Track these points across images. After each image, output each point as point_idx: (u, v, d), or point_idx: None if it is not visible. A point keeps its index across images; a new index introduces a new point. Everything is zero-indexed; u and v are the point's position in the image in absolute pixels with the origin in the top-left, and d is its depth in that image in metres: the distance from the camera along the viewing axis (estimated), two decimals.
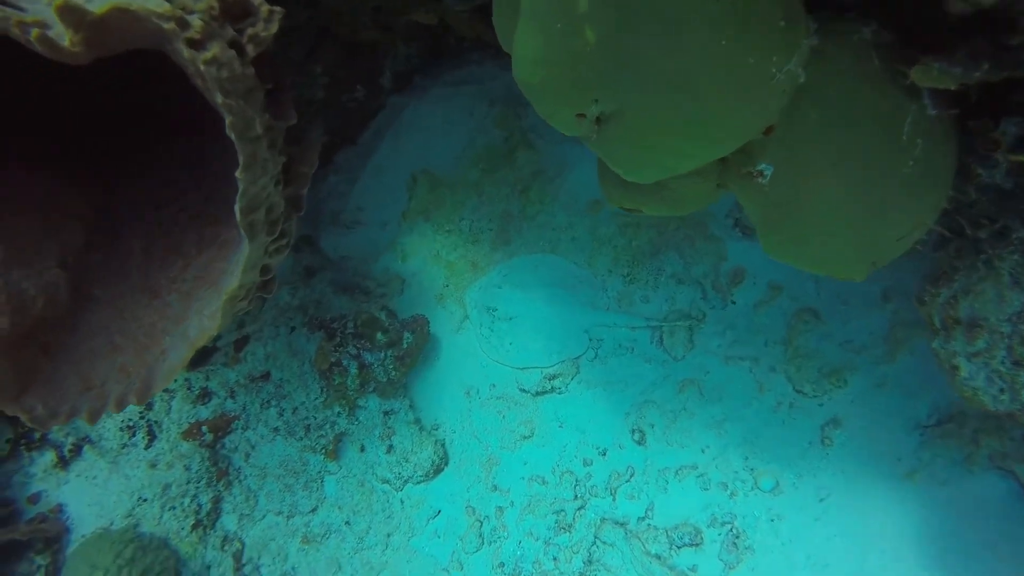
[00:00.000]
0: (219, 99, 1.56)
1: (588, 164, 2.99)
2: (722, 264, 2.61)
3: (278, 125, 1.89)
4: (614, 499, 2.39)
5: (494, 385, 2.75)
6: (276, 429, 2.62)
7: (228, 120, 1.58)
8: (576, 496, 2.44)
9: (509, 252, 2.98)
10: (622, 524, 2.34)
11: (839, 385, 2.23)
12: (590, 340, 2.70)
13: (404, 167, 3.21)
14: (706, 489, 2.29)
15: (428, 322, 2.82)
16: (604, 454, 2.47)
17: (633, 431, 2.45)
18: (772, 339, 2.42)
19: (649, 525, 2.31)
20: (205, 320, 1.92)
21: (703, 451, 2.36)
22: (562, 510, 2.43)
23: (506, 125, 3.13)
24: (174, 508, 2.48)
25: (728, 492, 2.27)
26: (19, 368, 1.78)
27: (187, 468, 2.50)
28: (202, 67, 1.53)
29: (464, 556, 2.49)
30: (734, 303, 2.55)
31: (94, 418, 1.85)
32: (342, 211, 3.26)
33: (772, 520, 2.17)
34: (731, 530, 2.20)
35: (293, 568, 2.59)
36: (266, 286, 2.07)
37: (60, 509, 2.50)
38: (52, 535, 2.39)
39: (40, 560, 2.38)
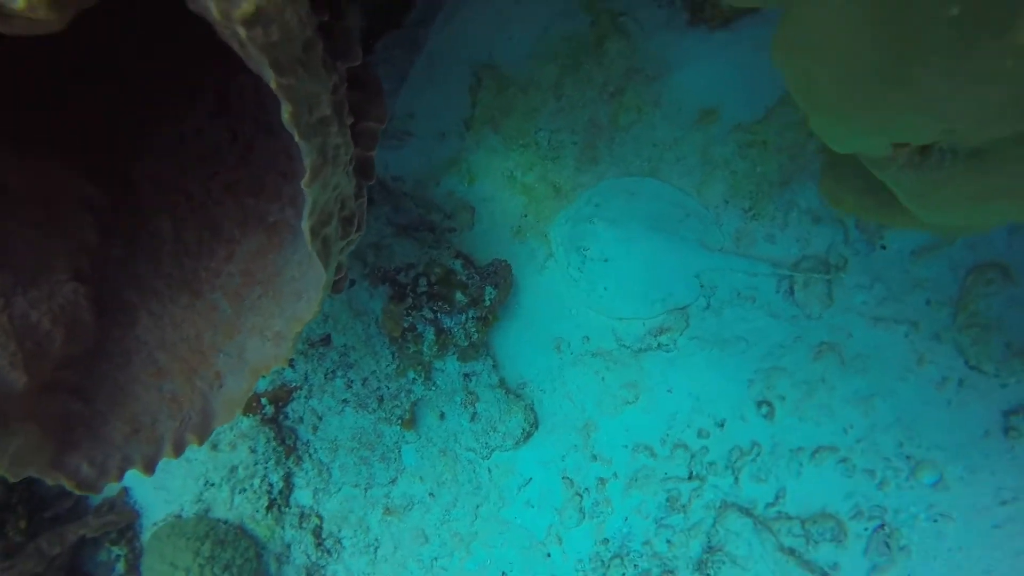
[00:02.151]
0: (272, 78, 1.01)
1: (698, 62, 2.35)
2: None
3: (340, 70, 1.32)
4: (737, 480, 2.08)
5: (587, 338, 2.35)
6: (345, 401, 2.27)
7: (287, 110, 1.04)
8: (691, 473, 2.13)
9: (598, 173, 2.43)
10: (747, 510, 2.05)
11: None
12: (702, 287, 2.25)
13: (464, 60, 2.54)
14: (849, 476, 1.97)
15: (511, 269, 2.36)
16: (723, 426, 2.13)
17: (759, 403, 2.09)
18: (938, 299, 1.96)
19: (780, 513, 2.03)
20: (268, 344, 1.48)
21: (845, 431, 2.00)
22: (675, 488, 2.14)
23: (592, 6, 2.43)
24: (244, 491, 2.21)
25: (877, 481, 1.95)
26: (51, 426, 1.38)
27: (252, 450, 2.19)
28: (241, 31, 0.96)
29: (563, 531, 2.25)
30: (884, 248, 2.07)
31: (150, 468, 1.48)
32: (390, 117, 2.65)
33: (935, 520, 1.86)
34: (881, 526, 1.91)
35: (377, 539, 2.37)
36: (336, 285, 1.60)
37: (126, 493, 2.24)
38: (124, 524, 2.15)
39: (118, 550, 2.16)
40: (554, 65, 2.50)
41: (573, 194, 2.46)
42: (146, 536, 2.20)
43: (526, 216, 2.49)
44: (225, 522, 2.17)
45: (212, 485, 2.19)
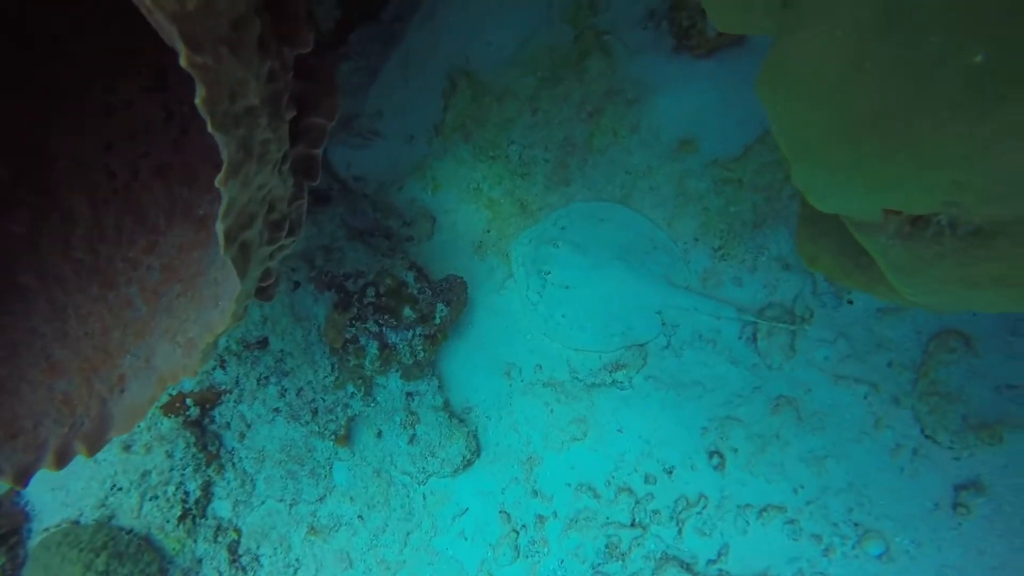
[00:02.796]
0: (183, 54, 0.86)
1: (680, 90, 2.25)
2: None
3: (285, 57, 1.18)
4: (680, 532, 1.96)
5: (540, 367, 2.22)
6: (277, 409, 2.10)
7: (200, 94, 0.89)
8: (634, 520, 2.01)
9: (568, 194, 2.31)
10: (688, 565, 1.94)
11: (990, 443, 1.73)
12: (663, 324, 2.14)
13: (441, 61, 2.41)
14: (795, 539, 1.87)
15: (466, 287, 2.22)
16: (671, 473, 2.01)
17: (711, 453, 1.98)
18: (900, 361, 1.88)
19: (721, 571, 1.91)
20: (179, 351, 1.31)
21: (796, 491, 1.90)
22: (616, 534, 2.02)
23: (576, 20, 2.32)
24: (156, 498, 2.02)
25: (823, 547, 1.85)
26: None
27: (169, 454, 2.01)
28: None
29: (496, 567, 2.11)
30: (851, 303, 1.98)
31: (22, 479, 1.30)
32: (357, 114, 2.49)
33: None
34: None
35: (298, 560, 2.20)
36: (265, 291, 1.44)
37: (15, 492, 2.04)
38: (7, 528, 1.94)
39: None
40: (533, 77, 2.37)
41: (540, 214, 2.34)
42: (33, 543, 1.99)
43: (489, 231, 2.35)
44: (129, 531, 1.98)
45: (119, 489, 2.00)
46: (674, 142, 2.21)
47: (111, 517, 2.00)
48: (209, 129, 0.90)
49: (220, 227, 1.00)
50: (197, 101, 0.88)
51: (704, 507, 1.95)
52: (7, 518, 1.95)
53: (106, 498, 2.00)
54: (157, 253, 1.44)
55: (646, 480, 2.02)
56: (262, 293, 1.42)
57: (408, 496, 2.17)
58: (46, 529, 1.98)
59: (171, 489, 2.03)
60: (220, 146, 0.94)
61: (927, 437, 1.81)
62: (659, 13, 2.24)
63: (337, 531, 2.18)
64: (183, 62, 0.85)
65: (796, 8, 0.66)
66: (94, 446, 1.33)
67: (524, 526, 2.10)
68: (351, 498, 2.19)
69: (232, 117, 0.95)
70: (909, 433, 1.84)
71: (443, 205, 2.38)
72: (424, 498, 2.19)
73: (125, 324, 1.42)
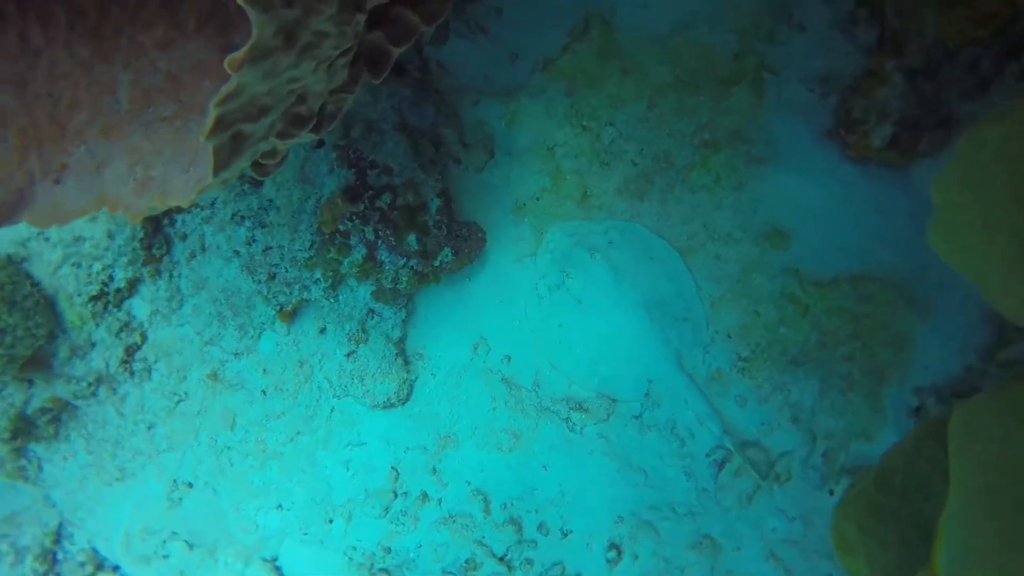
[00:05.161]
0: None
1: (809, 174, 1.91)
2: (861, 440, 1.76)
3: None
4: None
5: (509, 359, 2.00)
6: (238, 253, 1.88)
7: None
8: (505, 556, 1.86)
9: (636, 210, 2.01)
10: None
11: None
12: (646, 395, 1.91)
13: None
14: None
15: (483, 245, 1.96)
16: (565, 536, 1.85)
17: (612, 545, 1.81)
18: None
19: None
20: (130, 185, 1.07)
21: None
22: (482, 557, 1.88)
23: (746, 38, 1.93)
24: (79, 266, 1.82)
25: None
26: None
27: (111, 235, 1.79)
28: None
29: (359, 512, 1.97)
30: (831, 494, 1.76)
31: None
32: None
33: None
34: None
35: (187, 393, 2.05)
36: (261, 168, 1.17)
37: None
38: None
39: None
40: (670, 69, 2.01)
41: (597, 212, 2.05)
42: None
43: (538, 199, 2.07)
44: (36, 284, 1.80)
45: (46, 240, 1.80)
46: (769, 226, 1.90)
47: (23, 260, 1.81)
48: (240, 1, 0.62)
49: (213, 112, 0.74)
50: None
51: None
52: None
53: (29, 240, 1.80)
54: (169, 54, 1.16)
55: (539, 528, 1.86)
56: (259, 168, 1.16)
57: (318, 401, 2.00)
58: None
59: (97, 267, 1.83)
60: (253, 24, 0.66)
61: None
62: (835, 83, 1.88)
63: (236, 391, 2.03)
64: None
65: None
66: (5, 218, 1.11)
67: (406, 494, 1.95)
68: (264, 370, 2.02)
69: None
70: None
71: (508, 145, 2.07)
72: (331, 411, 2.02)
73: (97, 111, 1.16)
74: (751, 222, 1.93)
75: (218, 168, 0.82)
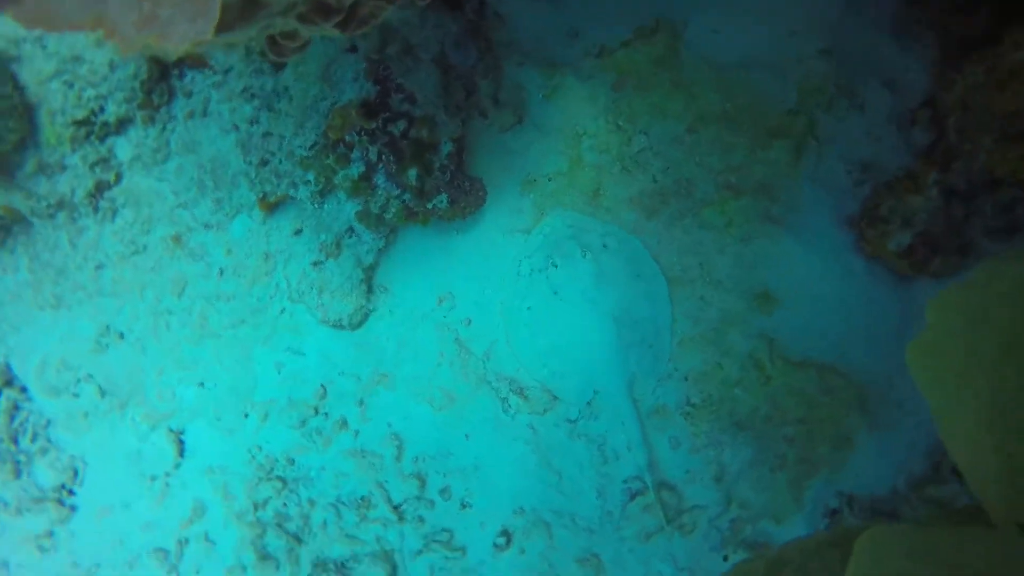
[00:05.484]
0: None
1: (817, 252, 1.86)
2: (771, 521, 1.75)
3: None
4: (420, 552, 1.82)
5: (470, 322, 1.96)
6: (236, 127, 1.80)
7: None
8: (400, 506, 1.85)
9: (640, 226, 1.94)
10: (394, 569, 1.82)
11: None
12: (588, 404, 1.89)
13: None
14: None
15: (483, 203, 1.90)
16: (464, 507, 1.84)
17: (505, 531, 1.81)
18: None
19: None
20: (132, 15, 0.99)
21: None
22: (378, 499, 1.87)
23: (808, 100, 1.84)
24: (72, 86, 1.73)
25: None
26: None
27: (113, 66, 1.70)
28: None
29: (275, 415, 1.93)
30: (726, 559, 1.77)
31: None
32: None
33: None
34: None
35: (144, 247, 1.98)
36: (277, 48, 1.10)
37: None
38: None
39: None
40: (720, 100, 1.93)
41: (603, 215, 1.98)
42: None
43: (550, 180, 2.00)
44: (19, 88, 1.70)
45: (43, 47, 1.69)
46: (762, 287, 1.86)
47: (13, 59, 1.71)
48: None
49: None
50: None
51: (454, 557, 1.80)
52: None
53: (24, 42, 1.70)
54: None
55: (442, 491, 1.85)
56: (275, 47, 1.09)
57: (271, 297, 1.95)
58: None
59: (91, 93, 1.74)
60: None
61: None
62: (874, 173, 1.82)
63: (195, 261, 1.97)
64: None
65: None
66: None
67: (327, 415, 1.93)
68: (229, 251, 1.95)
69: None
70: None
71: (539, 117, 1.99)
72: (281, 312, 1.97)
73: None
74: (746, 277, 1.89)
75: (221, 27, 0.77)
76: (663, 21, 1.83)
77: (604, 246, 1.92)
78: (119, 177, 1.93)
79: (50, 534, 1.94)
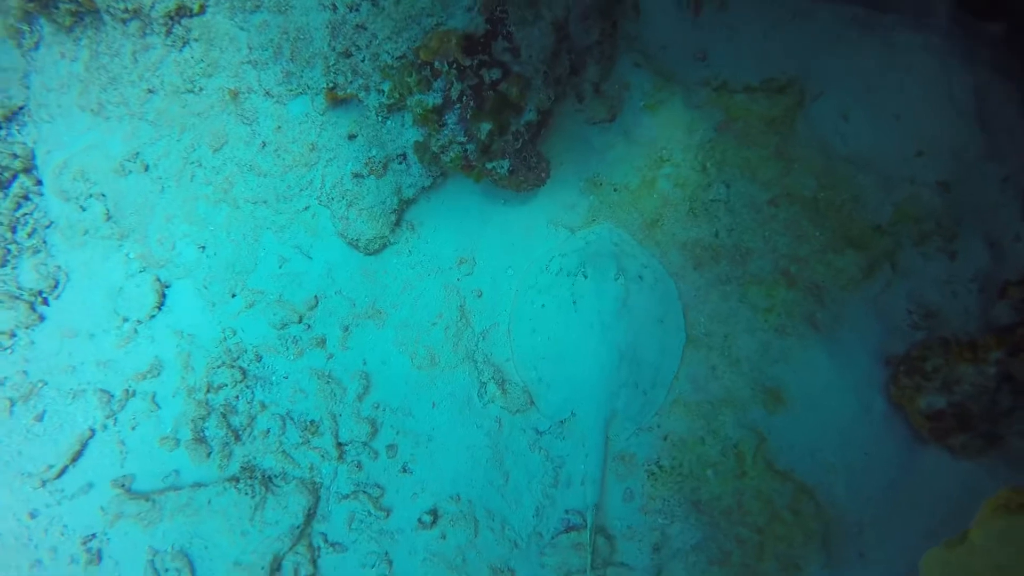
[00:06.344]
0: None
1: (833, 366, 1.74)
2: None
3: None
4: (351, 497, 1.75)
5: (480, 294, 1.86)
6: (334, 8, 1.66)
7: None
8: (347, 443, 1.77)
9: (682, 272, 1.81)
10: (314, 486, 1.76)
11: None
12: (561, 423, 1.79)
13: (795, 63, 1.76)
14: None
15: (541, 184, 1.77)
16: (403, 471, 1.76)
17: (433, 510, 1.73)
18: None
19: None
20: None
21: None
22: (329, 426, 1.78)
23: (905, 219, 1.69)
24: None
25: None
26: None
27: None
28: None
29: (261, 308, 1.84)
30: None
31: None
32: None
33: None
34: None
35: (201, 89, 1.85)
36: None
37: None
38: None
39: None
40: (817, 186, 1.76)
41: (650, 247, 1.84)
42: None
43: (615, 191, 1.87)
44: None
45: None
46: (775, 384, 1.73)
47: None
48: None
49: None
50: None
51: (377, 516, 1.72)
52: None
53: None
54: None
55: (389, 447, 1.77)
56: None
57: (301, 190, 1.86)
58: None
59: None
60: None
61: None
62: (935, 325, 1.69)
63: (242, 123, 1.87)
64: None
65: None
66: None
67: (309, 326, 1.84)
68: (279, 127, 1.86)
69: None
70: None
71: (630, 122, 1.85)
72: (305, 208, 1.88)
73: None
74: (764, 367, 1.76)
75: None
76: (796, 82, 1.68)
77: (640, 277, 1.80)
78: (203, 8, 1.83)
79: (12, 334, 1.88)
